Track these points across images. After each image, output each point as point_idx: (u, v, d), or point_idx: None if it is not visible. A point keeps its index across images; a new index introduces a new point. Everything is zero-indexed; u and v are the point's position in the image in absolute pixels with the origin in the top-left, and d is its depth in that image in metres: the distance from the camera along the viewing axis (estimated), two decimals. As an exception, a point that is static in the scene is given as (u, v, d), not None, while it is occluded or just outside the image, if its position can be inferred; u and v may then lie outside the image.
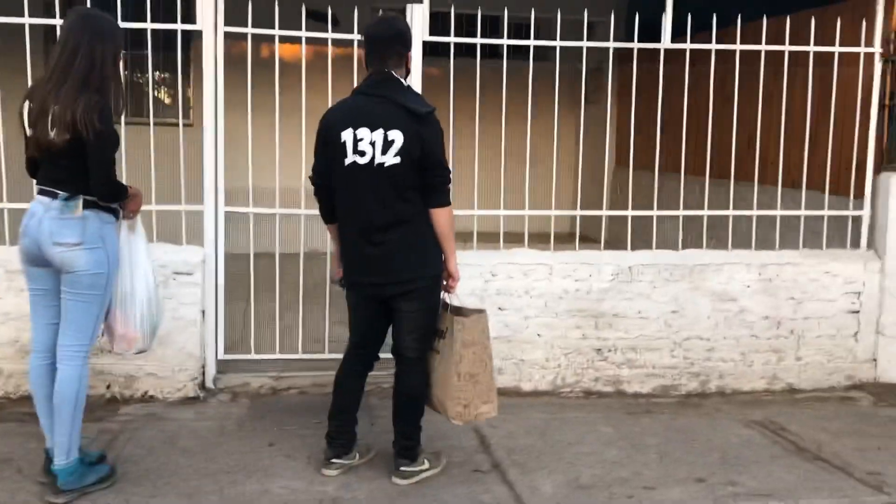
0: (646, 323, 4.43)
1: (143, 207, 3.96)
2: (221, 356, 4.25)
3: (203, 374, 4.15)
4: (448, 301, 3.24)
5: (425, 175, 3.05)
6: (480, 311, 3.21)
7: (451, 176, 3.15)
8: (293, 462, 3.39)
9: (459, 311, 3.19)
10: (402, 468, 3.22)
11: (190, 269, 4.07)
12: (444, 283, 3.20)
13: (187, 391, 4.09)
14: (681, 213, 4.54)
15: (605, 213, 4.53)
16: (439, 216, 3.10)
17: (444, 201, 3.11)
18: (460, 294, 4.14)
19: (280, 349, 4.32)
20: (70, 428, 2.99)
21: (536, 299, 4.34)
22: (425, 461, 3.27)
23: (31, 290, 3.11)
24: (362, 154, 3.02)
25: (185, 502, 2.99)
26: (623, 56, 4.59)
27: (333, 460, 3.28)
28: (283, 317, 4.35)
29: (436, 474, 3.28)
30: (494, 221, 4.40)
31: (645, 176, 4.62)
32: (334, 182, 3.13)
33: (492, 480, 3.28)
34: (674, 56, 4.48)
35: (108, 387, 4.03)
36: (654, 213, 4.55)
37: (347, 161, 3.05)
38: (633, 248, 4.47)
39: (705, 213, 4.53)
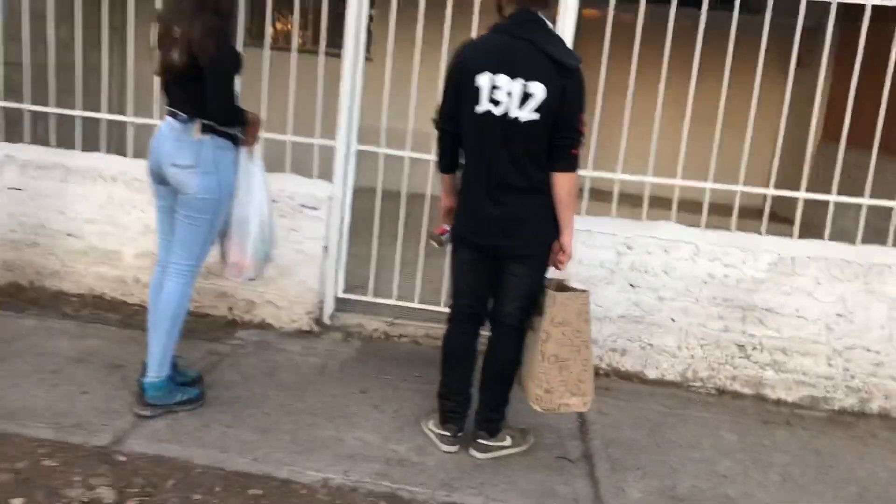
0: (803, 323, 3.86)
1: (278, 137, 4.02)
2: (340, 294, 4.22)
3: (321, 309, 4.14)
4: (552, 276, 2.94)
5: (556, 134, 2.71)
6: (582, 291, 2.87)
7: (583, 140, 2.79)
8: (378, 414, 3.28)
9: (561, 288, 2.88)
10: (480, 440, 3.01)
11: (316, 204, 4.03)
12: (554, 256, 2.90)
13: (302, 324, 4.11)
14: (865, 201, 3.89)
15: (770, 191, 3.96)
16: (561, 182, 2.76)
17: (570, 167, 2.76)
18: (588, 264, 3.87)
19: (397, 296, 4.23)
20: (165, 343, 3.06)
21: (676, 281, 3.89)
22: (507, 437, 3.04)
23: (157, 206, 3.19)
24: (497, 104, 2.70)
25: (258, 437, 2.97)
26: (848, 13, 3.85)
27: (459, 434, 3.05)
28: (404, 263, 4.24)
29: (518, 453, 3.04)
30: (642, 187, 4.00)
31: (855, 155, 3.86)
32: (463, 130, 2.84)
33: (576, 472, 2.99)
34: None
35: (230, 309, 4.14)
36: (832, 198, 3.90)
37: (480, 109, 2.73)
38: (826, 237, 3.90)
39: (895, 203, 3.85)
